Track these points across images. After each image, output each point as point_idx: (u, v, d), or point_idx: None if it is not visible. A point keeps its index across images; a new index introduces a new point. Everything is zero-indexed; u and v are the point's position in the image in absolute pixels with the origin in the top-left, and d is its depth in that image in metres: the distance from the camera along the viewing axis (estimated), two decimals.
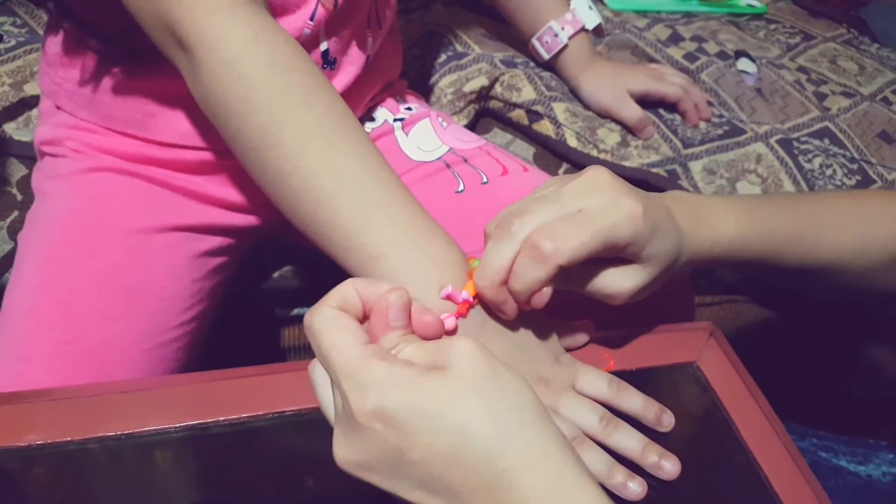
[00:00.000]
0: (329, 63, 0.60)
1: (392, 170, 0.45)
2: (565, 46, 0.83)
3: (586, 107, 0.86)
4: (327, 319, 0.33)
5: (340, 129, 0.44)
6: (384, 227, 0.42)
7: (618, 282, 0.40)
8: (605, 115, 0.85)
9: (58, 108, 0.62)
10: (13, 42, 0.82)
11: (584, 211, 0.38)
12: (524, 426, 0.30)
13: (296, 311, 0.78)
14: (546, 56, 0.85)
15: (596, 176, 0.40)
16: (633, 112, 0.82)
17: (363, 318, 0.35)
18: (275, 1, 0.53)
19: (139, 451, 0.39)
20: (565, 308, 0.47)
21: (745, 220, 0.44)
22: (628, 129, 0.84)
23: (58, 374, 0.52)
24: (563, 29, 0.83)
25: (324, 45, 0.59)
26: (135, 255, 0.57)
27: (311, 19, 0.56)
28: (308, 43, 0.57)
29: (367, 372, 0.30)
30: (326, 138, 0.44)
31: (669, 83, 0.85)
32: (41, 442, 0.38)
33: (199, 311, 0.60)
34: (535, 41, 0.85)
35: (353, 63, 0.62)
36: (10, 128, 0.75)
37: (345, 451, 0.31)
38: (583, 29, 0.83)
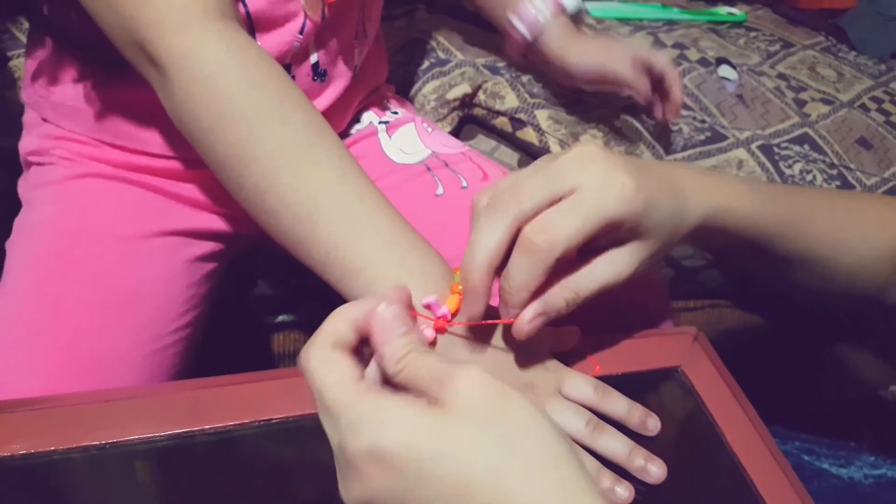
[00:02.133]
0: (319, 75, 0.60)
1: (371, 182, 0.45)
2: (548, 26, 0.76)
3: (570, 112, 0.86)
4: (319, 360, 0.32)
5: (317, 144, 0.44)
6: (362, 241, 0.42)
7: (616, 266, 0.39)
8: (598, 81, 0.77)
9: (43, 119, 0.61)
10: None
11: (576, 190, 0.37)
12: (534, 438, 0.29)
13: (284, 318, 0.78)
14: (527, 33, 0.77)
15: (586, 149, 0.39)
16: (630, 70, 0.75)
17: (361, 343, 0.34)
18: (262, 16, 0.53)
19: (124, 460, 0.38)
20: None
21: (751, 195, 0.43)
22: (613, 131, 0.84)
23: (51, 384, 0.51)
24: (544, 4, 0.76)
25: (314, 58, 0.59)
26: (126, 261, 0.57)
27: (301, 32, 0.56)
28: (298, 56, 0.57)
29: (360, 410, 0.30)
30: (303, 153, 0.43)
31: (660, 55, 0.77)
32: (24, 452, 0.38)
33: (194, 317, 0.60)
34: (514, 20, 0.77)
35: (342, 74, 0.63)
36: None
37: (349, 490, 0.30)
38: (563, 10, 0.76)
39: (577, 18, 0.79)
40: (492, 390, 0.30)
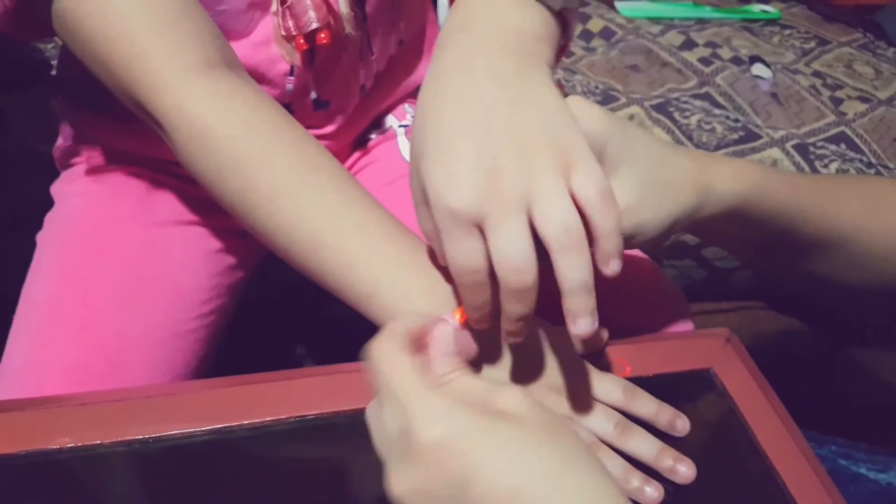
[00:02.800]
0: (321, 106, 0.61)
1: (372, 206, 0.45)
2: None
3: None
4: (391, 350, 0.32)
5: (310, 182, 0.45)
6: (369, 271, 0.43)
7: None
8: None
9: (71, 125, 0.64)
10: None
11: None
12: (582, 472, 0.29)
13: (294, 321, 0.79)
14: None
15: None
16: None
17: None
18: (245, 64, 0.53)
19: (165, 454, 0.40)
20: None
21: (770, 171, 0.42)
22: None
23: (74, 361, 0.53)
24: None
25: (313, 94, 0.60)
26: (150, 248, 0.59)
27: (291, 74, 0.56)
28: (297, 95, 0.58)
29: (432, 400, 0.30)
30: (298, 195, 0.44)
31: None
32: (71, 445, 0.39)
33: (218, 306, 0.61)
34: None
35: (347, 98, 0.63)
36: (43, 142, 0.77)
37: (402, 479, 0.30)
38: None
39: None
40: (537, 403, 0.31)
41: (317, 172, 0.46)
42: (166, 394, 0.42)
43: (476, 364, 0.40)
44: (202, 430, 0.40)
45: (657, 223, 0.38)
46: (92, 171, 0.62)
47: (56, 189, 0.64)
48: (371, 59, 0.63)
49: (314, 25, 0.53)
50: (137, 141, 0.60)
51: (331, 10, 0.54)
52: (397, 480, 0.30)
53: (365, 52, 0.62)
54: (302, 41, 0.54)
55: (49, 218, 0.62)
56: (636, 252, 0.57)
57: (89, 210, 0.60)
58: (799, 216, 0.43)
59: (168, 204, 0.62)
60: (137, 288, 0.57)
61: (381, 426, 0.32)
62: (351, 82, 0.62)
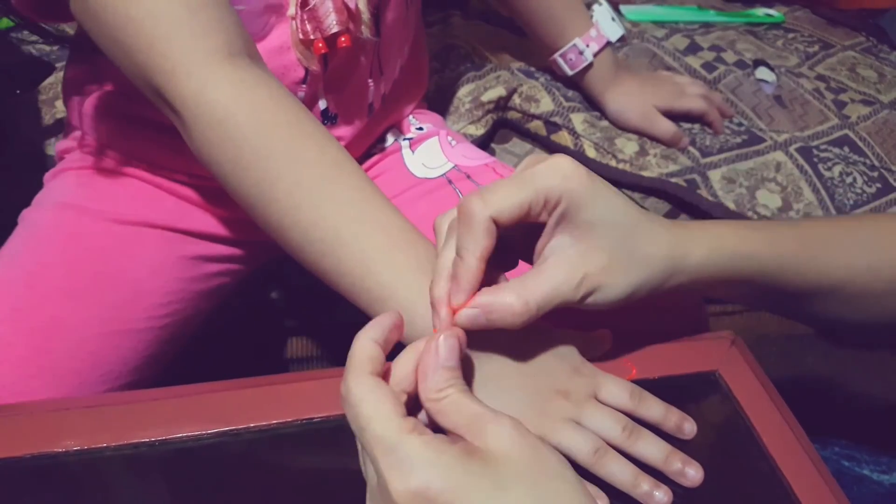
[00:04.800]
0: (329, 119, 0.61)
1: (393, 209, 0.45)
2: (590, 64, 0.83)
3: (604, 116, 0.86)
4: (362, 392, 0.31)
5: (332, 178, 0.44)
6: (385, 273, 0.43)
7: (566, 265, 0.37)
8: (636, 133, 0.84)
9: (73, 126, 0.65)
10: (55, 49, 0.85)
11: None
12: None
13: (300, 323, 0.79)
14: (569, 73, 0.84)
15: (534, 155, 0.39)
16: (664, 129, 0.82)
17: (387, 369, 0.35)
18: None
19: (172, 456, 0.40)
20: (582, 321, 0.47)
21: (748, 230, 0.41)
22: (648, 138, 0.84)
23: (0, 338, 0.52)
24: (587, 46, 0.81)
25: (322, 104, 0.59)
26: (118, 244, 0.59)
27: (304, 82, 0.56)
28: (306, 104, 0.57)
29: (408, 448, 0.29)
30: (320, 190, 0.44)
31: (692, 97, 0.85)
32: (77, 448, 0.39)
33: (177, 310, 0.61)
34: (557, 58, 0.84)
35: (354, 115, 0.63)
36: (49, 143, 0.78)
37: None
38: (608, 44, 0.82)
39: (620, 39, 0.85)
40: (525, 435, 0.30)
41: (338, 170, 0.45)
42: (173, 396, 0.42)
43: (481, 370, 0.40)
44: (209, 433, 0.41)
45: (618, 290, 0.38)
46: (86, 163, 0.62)
47: (48, 175, 0.65)
48: (380, 79, 0.63)
49: (335, 29, 0.53)
50: (142, 142, 0.61)
51: (351, 14, 0.54)
52: None
53: (374, 72, 0.62)
54: (321, 45, 0.53)
55: (35, 199, 0.63)
56: None
57: (69, 198, 0.61)
58: (781, 272, 0.42)
59: (153, 205, 0.61)
60: (89, 280, 0.57)
61: (366, 470, 0.32)
62: (360, 98, 0.62)
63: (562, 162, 0.37)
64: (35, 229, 0.59)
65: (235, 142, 0.44)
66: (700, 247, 0.40)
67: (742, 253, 0.40)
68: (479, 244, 0.36)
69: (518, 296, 0.36)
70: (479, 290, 0.37)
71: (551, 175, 0.36)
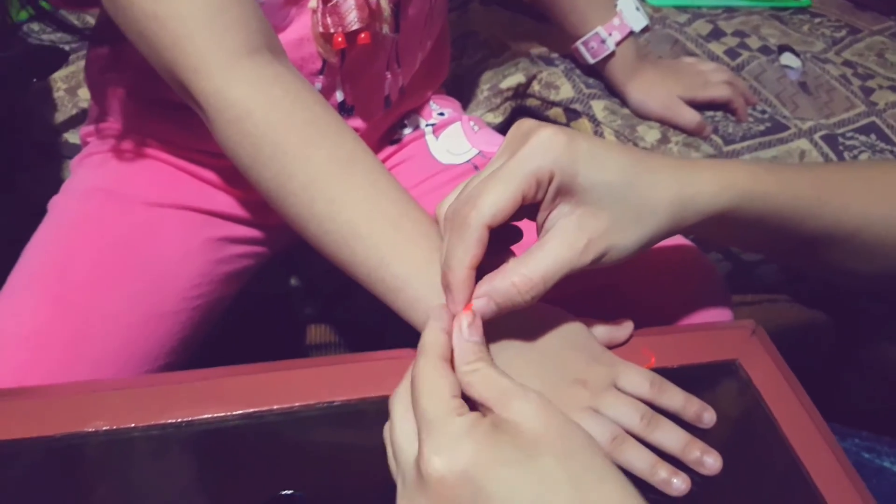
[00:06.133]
0: (346, 111, 0.62)
1: (407, 201, 0.46)
2: (612, 53, 0.82)
3: (625, 104, 0.86)
4: (431, 366, 0.33)
5: (346, 174, 0.46)
6: (399, 264, 0.44)
7: (565, 237, 0.37)
8: (659, 122, 0.84)
9: (97, 106, 0.66)
10: (67, 48, 0.85)
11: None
12: (602, 482, 0.29)
13: (320, 311, 0.79)
14: (591, 61, 0.84)
15: (516, 127, 0.38)
16: (688, 118, 0.82)
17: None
18: None
19: (198, 437, 0.41)
20: (604, 306, 0.48)
21: (763, 174, 0.40)
22: (669, 126, 0.83)
23: (38, 327, 0.53)
24: (610, 35, 0.81)
25: (339, 96, 0.60)
26: (147, 227, 0.60)
27: (321, 73, 0.57)
28: (323, 95, 0.57)
29: (447, 425, 0.30)
30: (335, 184, 0.45)
31: (716, 85, 0.84)
32: (107, 428, 0.40)
33: (208, 292, 0.62)
34: (579, 45, 0.83)
35: (371, 106, 0.63)
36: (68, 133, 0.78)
37: None
38: (630, 33, 0.81)
39: (643, 29, 0.84)
40: (551, 410, 0.31)
41: (353, 164, 0.46)
42: (199, 379, 0.43)
43: (498, 360, 0.41)
44: (234, 415, 0.41)
45: (628, 245, 0.38)
46: (110, 147, 0.63)
47: (74, 162, 0.66)
48: (397, 72, 0.64)
49: (356, 26, 0.54)
50: (164, 124, 0.61)
51: (372, 12, 0.54)
52: None
53: (392, 64, 0.62)
54: (340, 39, 0.54)
55: (63, 187, 0.64)
56: (679, 237, 0.56)
57: (96, 183, 0.62)
58: (796, 215, 0.41)
59: (177, 187, 0.63)
60: (122, 265, 0.58)
61: (400, 448, 0.32)
62: (377, 90, 0.63)
63: (543, 136, 0.36)
64: (64, 217, 0.60)
65: (254, 139, 0.45)
66: (710, 184, 0.39)
67: (755, 192, 0.40)
68: (469, 254, 0.36)
69: (520, 275, 0.37)
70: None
71: (537, 155, 0.36)
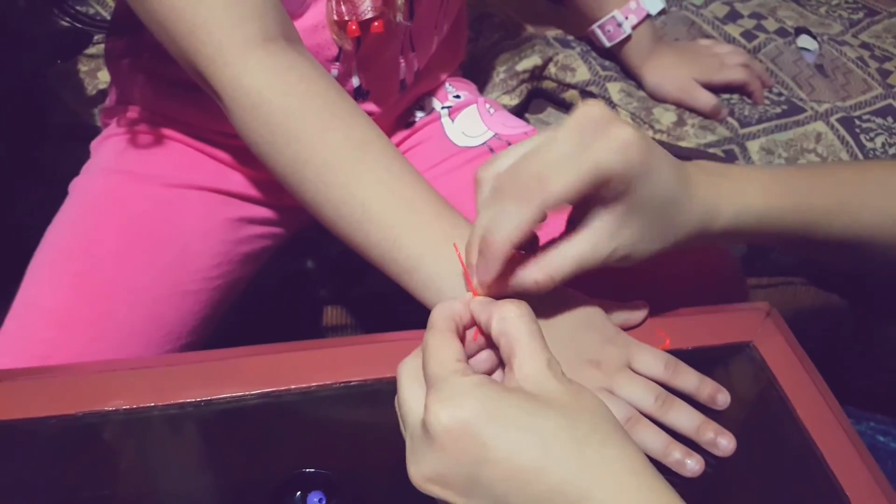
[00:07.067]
0: (362, 95, 0.62)
1: (420, 183, 0.46)
2: (628, 36, 0.82)
3: (641, 87, 0.85)
4: (439, 337, 0.33)
5: (359, 158, 0.46)
6: (412, 246, 0.44)
7: (596, 236, 0.38)
8: (675, 105, 0.83)
9: (116, 87, 0.66)
10: (89, 30, 0.86)
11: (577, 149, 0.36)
12: (606, 445, 0.29)
13: (336, 293, 0.79)
14: (607, 44, 0.84)
15: (587, 110, 0.37)
16: (703, 101, 0.81)
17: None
18: None
19: (216, 416, 0.41)
20: (618, 289, 0.48)
21: (777, 190, 0.41)
22: (685, 108, 0.83)
23: (61, 304, 0.54)
24: (626, 18, 0.81)
25: (356, 81, 0.60)
26: (167, 207, 0.61)
27: (337, 60, 0.57)
28: (339, 81, 0.58)
29: (454, 384, 0.30)
30: (346, 171, 0.46)
31: (732, 67, 0.83)
32: (126, 407, 0.41)
33: (227, 271, 0.62)
34: (595, 28, 0.83)
35: (387, 90, 0.64)
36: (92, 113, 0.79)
37: (420, 464, 0.30)
38: (647, 16, 0.81)
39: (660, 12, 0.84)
40: (562, 382, 0.31)
41: (367, 149, 0.46)
42: (217, 359, 0.44)
43: None
44: (252, 394, 0.42)
45: (646, 255, 0.40)
46: (129, 128, 0.64)
47: (94, 143, 0.67)
48: (412, 56, 0.64)
49: (370, 15, 0.54)
50: (182, 106, 0.62)
51: (386, 0, 0.54)
52: (416, 463, 0.30)
53: (406, 49, 0.63)
54: (355, 27, 0.55)
55: (84, 168, 0.65)
56: None
57: (117, 164, 0.62)
58: (807, 231, 0.42)
59: (196, 168, 0.63)
60: (144, 243, 0.58)
61: (404, 406, 0.33)
62: (392, 75, 0.63)
63: (625, 137, 0.35)
64: (87, 197, 0.61)
65: (269, 126, 0.46)
66: (729, 205, 0.40)
67: (770, 214, 0.41)
68: (521, 230, 0.36)
69: (545, 274, 0.38)
70: None
71: (617, 156, 0.35)
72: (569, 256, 0.38)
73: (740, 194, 0.40)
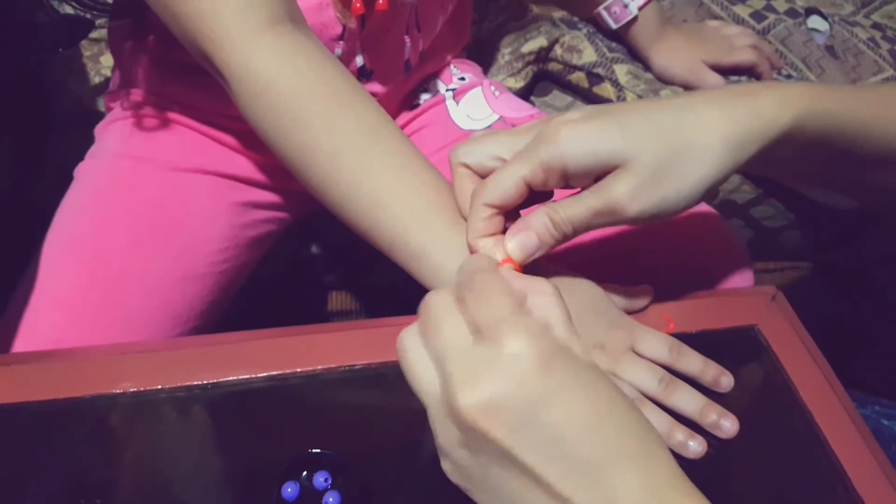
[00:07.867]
0: (365, 75, 0.61)
1: (428, 170, 0.46)
2: (635, 18, 0.81)
3: (648, 69, 0.84)
4: (441, 304, 0.31)
5: (368, 145, 0.46)
6: (421, 232, 0.44)
7: (609, 187, 0.37)
8: (683, 87, 0.83)
9: (120, 71, 0.66)
10: (88, 15, 0.85)
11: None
12: (623, 414, 0.29)
13: (341, 278, 0.80)
14: (614, 26, 0.83)
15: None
16: (712, 83, 0.81)
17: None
18: None
19: (223, 398, 0.42)
20: (624, 272, 0.48)
21: (823, 89, 0.38)
22: (693, 91, 0.82)
23: (71, 291, 0.55)
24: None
25: (359, 61, 0.60)
26: (173, 191, 0.61)
27: (341, 39, 0.57)
28: (343, 60, 0.58)
29: (527, 320, 0.29)
30: (356, 157, 0.45)
31: (741, 49, 0.82)
32: (134, 389, 0.42)
33: (234, 256, 0.63)
34: (601, 10, 0.82)
35: (390, 71, 0.63)
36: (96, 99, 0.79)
37: (475, 391, 0.28)
38: None
39: None
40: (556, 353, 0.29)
41: (376, 134, 0.46)
42: (224, 342, 0.44)
43: None
44: (258, 377, 0.42)
45: (685, 194, 0.36)
46: (134, 112, 0.64)
47: (99, 128, 0.67)
48: (417, 36, 0.63)
49: None
50: (186, 89, 0.62)
51: None
52: (469, 391, 0.28)
53: (411, 28, 0.62)
54: (359, 5, 0.54)
55: (89, 152, 0.65)
56: (700, 204, 0.56)
57: (123, 148, 0.62)
58: (857, 133, 0.39)
59: (201, 152, 0.63)
60: (152, 228, 0.59)
61: (443, 335, 0.30)
62: (397, 55, 0.63)
63: (574, 139, 0.37)
64: (93, 182, 0.61)
65: (277, 110, 0.46)
66: (769, 107, 0.37)
67: (817, 109, 0.37)
68: (488, 207, 0.39)
69: (560, 217, 0.38)
70: None
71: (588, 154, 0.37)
72: (584, 202, 0.38)
73: (782, 92, 0.37)
